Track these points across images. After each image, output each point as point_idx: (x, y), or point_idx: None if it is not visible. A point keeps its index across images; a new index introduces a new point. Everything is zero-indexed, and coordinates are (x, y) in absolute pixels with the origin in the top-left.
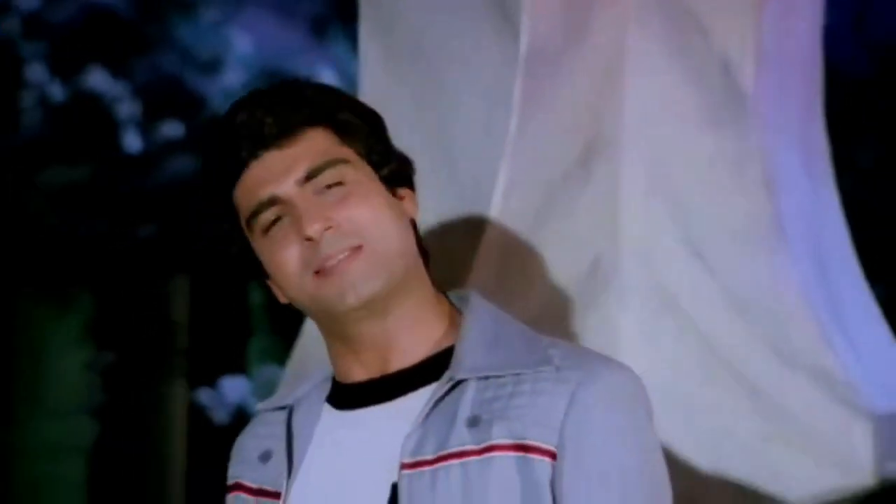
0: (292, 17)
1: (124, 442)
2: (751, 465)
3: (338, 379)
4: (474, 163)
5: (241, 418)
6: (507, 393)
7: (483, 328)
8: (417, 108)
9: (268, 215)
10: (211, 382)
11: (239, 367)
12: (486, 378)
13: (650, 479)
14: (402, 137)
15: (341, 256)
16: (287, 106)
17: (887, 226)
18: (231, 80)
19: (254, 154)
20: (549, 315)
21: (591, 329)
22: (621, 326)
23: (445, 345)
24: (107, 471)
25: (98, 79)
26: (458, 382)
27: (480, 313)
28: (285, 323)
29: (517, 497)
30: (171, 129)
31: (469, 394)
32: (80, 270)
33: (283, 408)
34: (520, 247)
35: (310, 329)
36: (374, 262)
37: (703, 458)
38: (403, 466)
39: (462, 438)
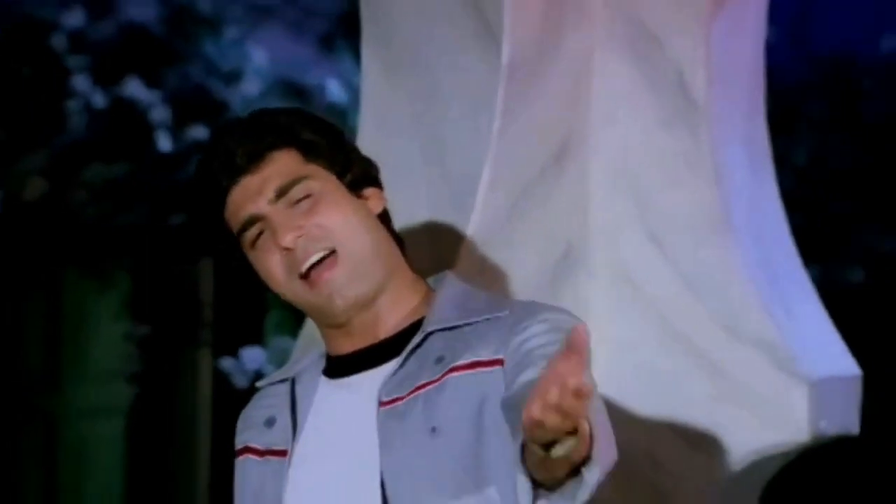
0: (303, 34)
1: (157, 404)
2: (702, 424)
3: (330, 353)
4: (462, 160)
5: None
6: (467, 334)
7: (453, 295)
8: (413, 112)
9: (252, 231)
10: (233, 352)
11: (257, 338)
12: (452, 329)
13: None
14: (399, 138)
15: (315, 258)
16: (254, 135)
17: (819, 214)
18: (249, 89)
19: (232, 181)
20: (526, 294)
21: (564, 306)
22: (591, 304)
23: (420, 316)
24: (142, 429)
25: (134, 88)
26: (429, 335)
27: (452, 285)
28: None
29: (473, 405)
30: (198, 131)
31: (437, 342)
32: (119, 254)
33: (284, 381)
34: (502, 234)
35: (306, 331)
36: (352, 267)
37: (661, 418)
38: (381, 405)
39: (428, 374)
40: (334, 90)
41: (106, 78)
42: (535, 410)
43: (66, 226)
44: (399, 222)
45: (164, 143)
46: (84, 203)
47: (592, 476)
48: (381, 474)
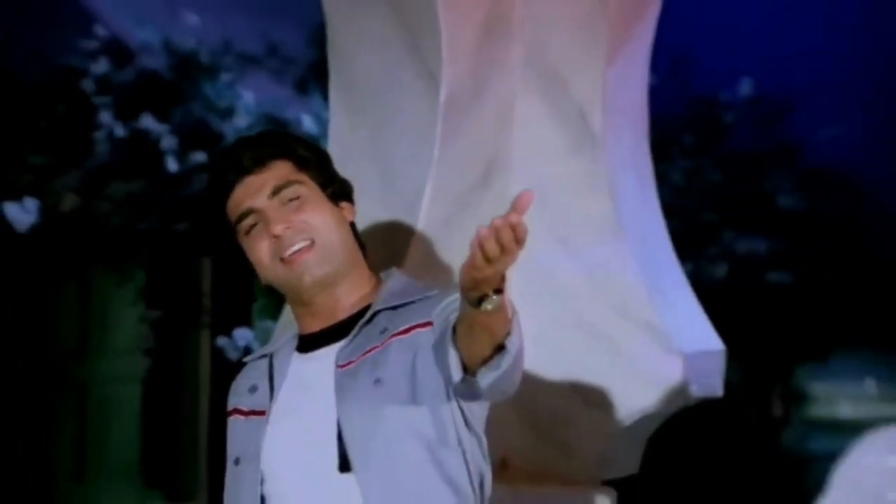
0: (283, 79)
1: (167, 372)
2: (599, 389)
3: (301, 333)
4: (409, 180)
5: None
6: (405, 311)
7: (396, 285)
8: (370, 141)
9: (248, 221)
10: (227, 332)
11: (246, 321)
12: (395, 308)
13: None
14: (359, 162)
15: (297, 247)
16: (259, 146)
17: (691, 222)
18: (240, 123)
19: (237, 179)
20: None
21: None
22: (511, 294)
23: (370, 302)
24: (154, 393)
25: (148, 121)
26: (376, 313)
27: (396, 277)
28: (278, 292)
29: (409, 359)
30: (199, 156)
31: (382, 319)
32: (136, 253)
33: (264, 357)
34: (441, 239)
35: (286, 314)
36: (322, 254)
37: (566, 385)
38: (337, 367)
39: (375, 342)
40: (307, 123)
41: (125, 114)
42: (483, 231)
43: (94, 231)
44: (360, 228)
45: (172, 165)
46: (108, 213)
47: (513, 345)
48: (338, 419)
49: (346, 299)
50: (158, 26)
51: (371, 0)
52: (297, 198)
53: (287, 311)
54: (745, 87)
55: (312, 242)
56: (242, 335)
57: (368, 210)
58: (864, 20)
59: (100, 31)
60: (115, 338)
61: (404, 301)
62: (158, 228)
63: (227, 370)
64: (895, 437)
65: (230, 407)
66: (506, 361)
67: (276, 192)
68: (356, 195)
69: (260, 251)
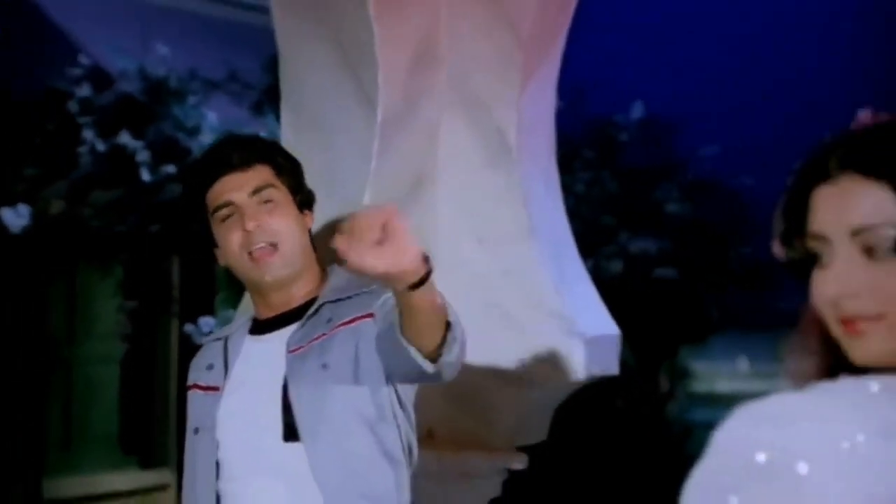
0: (241, 102)
1: (141, 355)
2: (514, 369)
3: (256, 318)
4: (349, 191)
5: None
6: (348, 303)
7: (338, 279)
8: (316, 156)
9: (225, 211)
10: (193, 320)
11: (210, 310)
12: (337, 301)
13: None
14: (306, 174)
15: (261, 245)
16: (247, 147)
17: (591, 225)
18: (205, 139)
19: (222, 172)
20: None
21: None
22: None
23: (317, 294)
24: (131, 373)
25: (125, 138)
26: (322, 305)
27: (338, 274)
28: (237, 285)
29: (352, 347)
30: (169, 168)
31: (327, 310)
32: (115, 252)
33: (220, 339)
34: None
35: (246, 301)
36: (284, 259)
37: (484, 364)
38: (289, 352)
39: (322, 330)
40: None
41: (105, 131)
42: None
43: (78, 233)
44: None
45: (146, 175)
46: (91, 217)
47: (455, 317)
48: (286, 396)
49: (298, 293)
50: (134, 56)
51: (317, 34)
52: (271, 200)
53: (245, 302)
54: (637, 111)
55: (276, 246)
56: (206, 322)
57: (315, 215)
58: (742, 54)
59: (83, 60)
60: (96, 325)
61: (346, 295)
62: (134, 230)
63: (194, 353)
64: (763, 409)
65: (190, 382)
66: (458, 332)
67: (256, 192)
68: None
69: (231, 240)
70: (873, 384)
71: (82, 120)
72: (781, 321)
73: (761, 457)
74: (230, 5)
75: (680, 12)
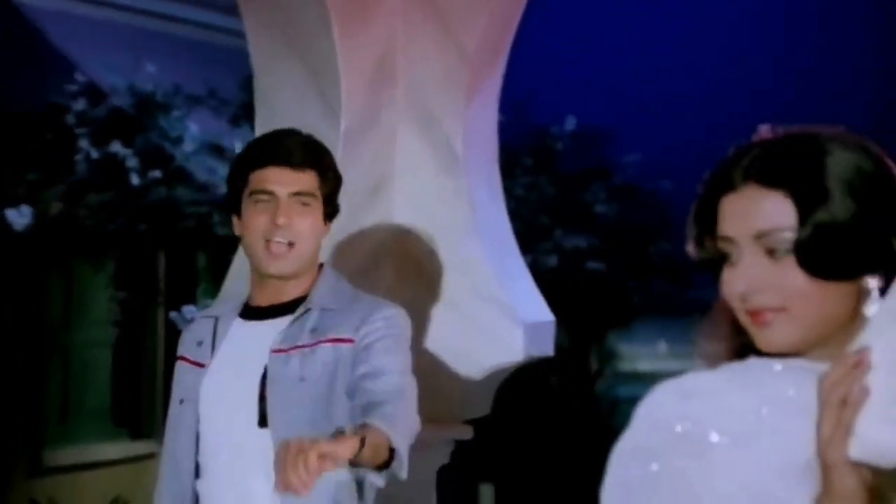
0: (221, 115)
1: (131, 340)
2: (461, 350)
3: (249, 303)
4: None
5: None
6: (333, 315)
7: (326, 283)
8: None
9: (264, 197)
10: (177, 308)
11: (192, 300)
12: (324, 310)
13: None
14: None
15: (280, 241)
16: (307, 150)
17: (531, 224)
18: (187, 148)
19: (277, 163)
20: (356, 267)
21: (379, 269)
22: (390, 279)
23: (303, 293)
24: (121, 355)
25: (116, 146)
26: (308, 309)
27: (326, 275)
28: (217, 277)
29: (331, 368)
30: (155, 173)
31: (314, 316)
32: (108, 249)
33: (211, 317)
34: (343, 236)
35: (228, 283)
36: (296, 258)
37: (435, 347)
38: (272, 352)
39: (304, 339)
40: (239, 149)
41: (99, 141)
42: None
43: (75, 231)
44: None
45: (135, 180)
46: (86, 217)
47: (400, 462)
48: (266, 393)
49: (293, 290)
50: (124, 74)
51: (287, 55)
52: (308, 205)
53: (228, 286)
54: (570, 123)
55: (293, 245)
56: (189, 310)
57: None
58: (663, 73)
59: (80, 77)
60: (91, 312)
61: (333, 306)
62: (124, 229)
63: (178, 337)
64: (680, 386)
65: (178, 355)
66: (403, 466)
67: (298, 194)
68: None
69: (257, 222)
70: (776, 364)
71: (78, 131)
72: (695, 309)
73: (678, 427)
74: (211, 30)
75: (609, 34)
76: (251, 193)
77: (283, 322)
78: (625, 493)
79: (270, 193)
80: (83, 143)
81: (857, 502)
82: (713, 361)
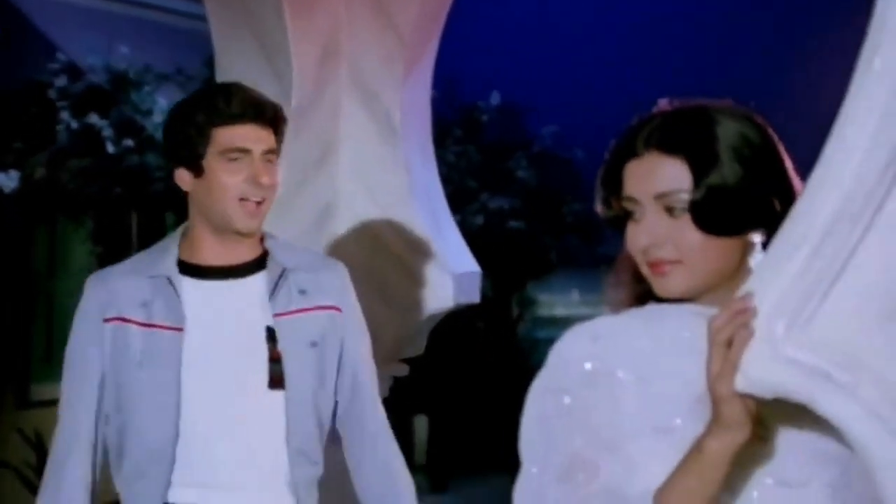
0: (187, 90)
1: None
2: (398, 298)
3: (188, 260)
4: None
5: None
6: (311, 278)
7: (277, 244)
8: None
9: (238, 156)
10: None
11: None
12: (298, 271)
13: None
14: None
15: (257, 199)
16: (274, 108)
17: (460, 187)
18: (157, 119)
19: (248, 120)
20: (302, 232)
21: (324, 237)
22: (340, 242)
23: (259, 253)
24: None
25: (94, 118)
26: (284, 269)
27: (273, 237)
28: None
29: (327, 331)
30: (129, 142)
31: (296, 279)
32: (86, 209)
33: (154, 276)
34: (289, 203)
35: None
36: (263, 214)
37: (375, 294)
38: (275, 315)
39: (299, 302)
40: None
41: (78, 113)
42: None
43: (57, 193)
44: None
45: (110, 148)
46: (67, 181)
47: None
48: (283, 365)
49: (250, 248)
50: (101, 54)
51: (244, 37)
52: (272, 162)
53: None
54: (495, 98)
55: (261, 203)
56: None
57: None
58: (578, 49)
59: (61, 57)
60: (71, 264)
61: (308, 265)
62: (101, 192)
63: None
64: (590, 328)
65: (109, 315)
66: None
67: (268, 151)
68: None
69: (231, 182)
70: (671, 309)
71: (60, 104)
72: (604, 262)
73: (588, 365)
74: (178, 15)
75: (530, 18)
76: (223, 151)
77: (254, 282)
78: (541, 423)
79: (246, 151)
80: (64, 116)
81: (744, 428)
82: (618, 307)
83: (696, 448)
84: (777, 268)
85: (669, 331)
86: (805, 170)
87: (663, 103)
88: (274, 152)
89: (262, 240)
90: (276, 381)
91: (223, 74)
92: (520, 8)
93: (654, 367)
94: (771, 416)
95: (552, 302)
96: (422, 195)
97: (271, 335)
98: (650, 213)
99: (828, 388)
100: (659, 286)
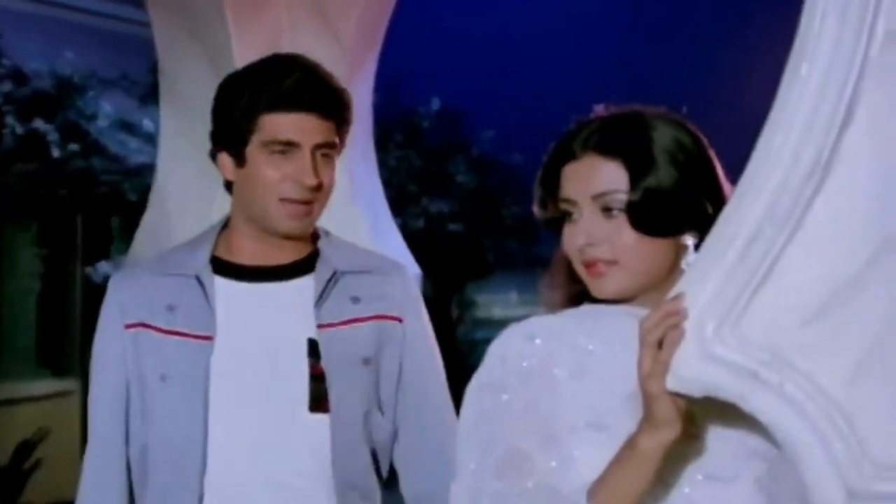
0: (131, 94)
1: (52, 290)
2: None
3: (224, 258)
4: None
5: (106, 281)
6: (368, 283)
7: (331, 243)
8: (188, 134)
9: (284, 148)
10: (92, 264)
11: (106, 256)
12: (353, 273)
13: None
14: (182, 148)
15: (306, 198)
16: (335, 96)
17: (401, 191)
18: (102, 124)
19: (302, 108)
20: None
21: None
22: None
23: (307, 253)
24: (45, 303)
25: (39, 123)
26: (335, 272)
27: (330, 237)
28: (127, 239)
29: (383, 346)
30: (74, 146)
31: (349, 283)
32: (32, 211)
33: (179, 275)
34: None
35: (137, 242)
36: (312, 217)
37: None
38: (320, 327)
39: (351, 311)
40: (147, 124)
41: (24, 118)
42: None
43: (3, 196)
44: (180, 197)
45: (56, 152)
46: (14, 184)
47: None
48: (321, 379)
49: (293, 250)
50: (46, 60)
51: (188, 42)
52: (329, 157)
53: (139, 242)
54: (435, 104)
55: (311, 203)
56: (102, 266)
57: (186, 179)
58: (516, 56)
59: (6, 62)
60: (18, 266)
61: (363, 269)
62: (47, 195)
63: (93, 289)
64: (526, 328)
65: (131, 320)
66: None
67: (323, 146)
68: (185, 179)
69: (272, 177)
70: (606, 309)
71: (5, 108)
72: (540, 264)
73: (524, 363)
74: (123, 21)
75: (469, 26)
76: (266, 143)
77: (299, 286)
78: (479, 420)
79: (295, 145)
80: (10, 120)
81: (674, 426)
82: (554, 308)
83: (629, 445)
84: (707, 269)
85: (603, 330)
86: (734, 174)
87: (600, 109)
88: (332, 146)
89: (314, 238)
90: (318, 402)
91: (167, 79)
92: (459, 14)
93: (589, 365)
94: (701, 414)
95: (491, 303)
96: (364, 198)
97: (314, 349)
98: (587, 213)
99: (755, 386)
100: (594, 287)
